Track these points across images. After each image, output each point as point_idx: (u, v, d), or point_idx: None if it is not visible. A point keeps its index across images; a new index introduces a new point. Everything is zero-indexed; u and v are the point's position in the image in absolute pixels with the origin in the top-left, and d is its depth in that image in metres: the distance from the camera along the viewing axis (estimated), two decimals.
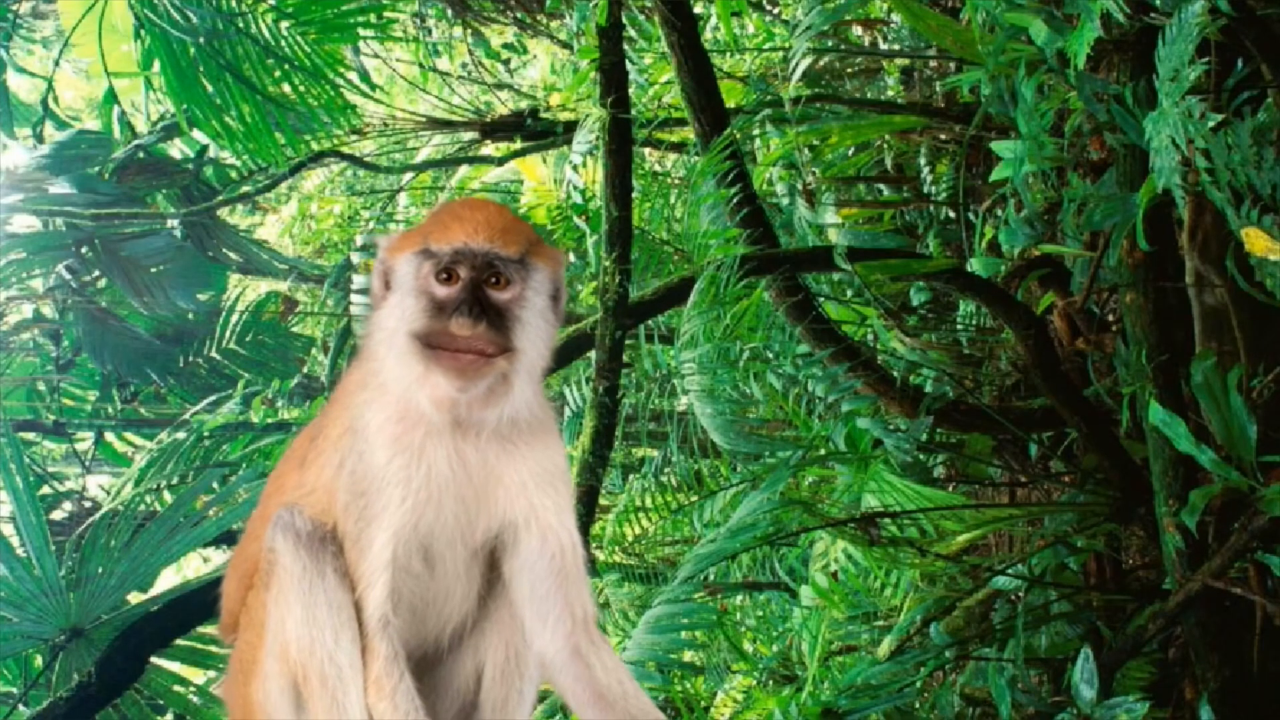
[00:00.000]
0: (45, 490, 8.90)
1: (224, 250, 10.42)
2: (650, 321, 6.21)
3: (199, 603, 5.34)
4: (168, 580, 6.67)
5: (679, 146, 9.34)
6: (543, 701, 4.95)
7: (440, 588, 2.46)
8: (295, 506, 2.40)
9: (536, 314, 2.38)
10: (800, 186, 7.04)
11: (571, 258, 9.50)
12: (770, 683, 6.40)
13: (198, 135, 8.32)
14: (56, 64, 8.84)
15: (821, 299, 6.09)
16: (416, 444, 2.37)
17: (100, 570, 5.88)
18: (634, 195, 5.78)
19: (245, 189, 10.10)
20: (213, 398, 8.30)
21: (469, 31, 10.85)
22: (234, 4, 7.01)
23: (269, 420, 7.81)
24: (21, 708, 5.77)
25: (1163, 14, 4.41)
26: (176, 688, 5.83)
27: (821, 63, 8.76)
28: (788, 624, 6.44)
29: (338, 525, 2.39)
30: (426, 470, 2.37)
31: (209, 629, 5.79)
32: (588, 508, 4.89)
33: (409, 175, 11.74)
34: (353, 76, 8.70)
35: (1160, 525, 5.03)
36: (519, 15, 10.43)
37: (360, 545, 2.35)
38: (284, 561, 2.35)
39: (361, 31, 7.91)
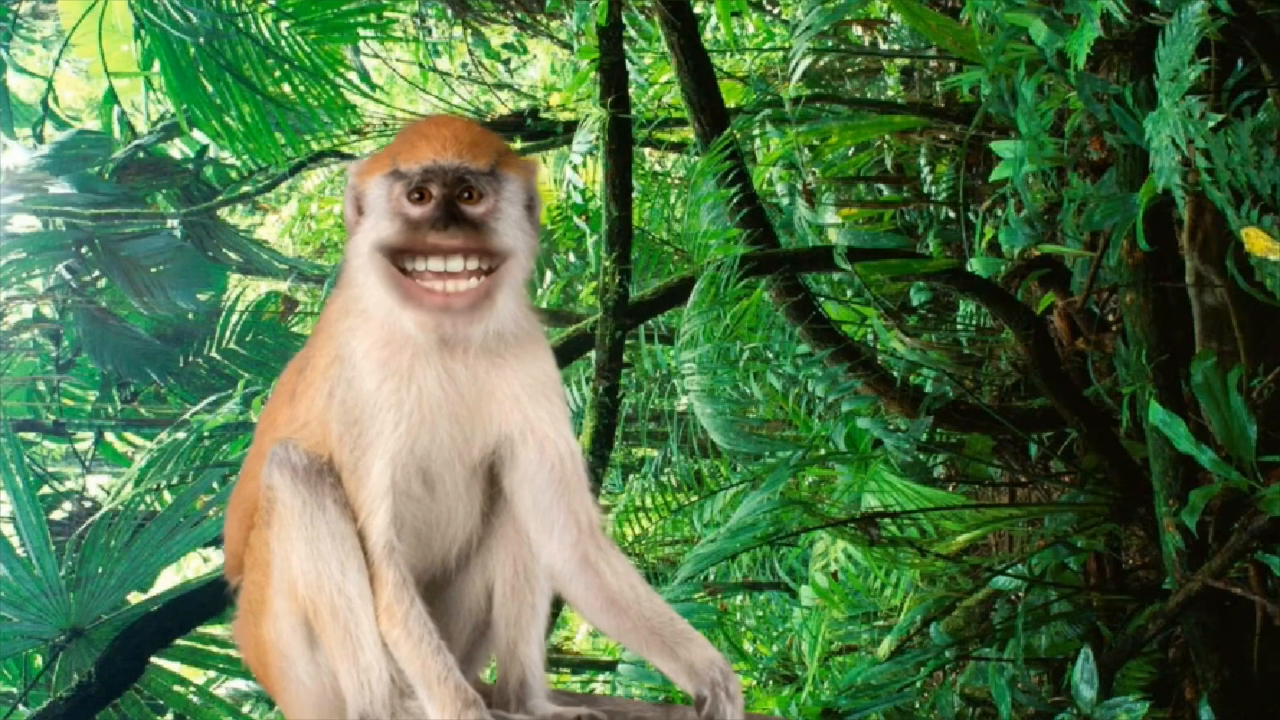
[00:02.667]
0: (45, 490, 8.90)
1: (224, 250, 10.41)
2: (650, 321, 6.21)
3: (199, 603, 5.34)
4: (168, 580, 6.67)
5: (679, 146, 9.34)
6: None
7: (442, 509, 2.46)
8: (289, 441, 2.39)
9: (513, 224, 2.35)
10: (800, 186, 7.04)
11: (571, 258, 9.50)
12: (770, 683, 6.39)
13: (198, 135, 8.32)
14: (56, 64, 8.84)
15: (821, 299, 6.09)
16: (405, 366, 2.36)
17: (100, 570, 5.89)
18: (634, 195, 5.78)
19: (245, 189, 10.09)
20: (213, 398, 8.29)
21: (469, 31, 10.84)
22: (234, 4, 7.01)
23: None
24: (21, 708, 5.77)
25: (1163, 14, 4.41)
26: (176, 688, 5.84)
27: (821, 63, 8.76)
28: (788, 624, 6.44)
29: (333, 456, 2.38)
30: (417, 392, 2.36)
31: (209, 629, 5.80)
32: None
33: None
34: (353, 76, 8.70)
35: (1160, 525, 5.03)
36: (519, 15, 10.43)
37: (358, 474, 2.35)
38: (283, 497, 2.34)
39: (361, 31, 7.90)
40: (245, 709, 7.10)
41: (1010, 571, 5.59)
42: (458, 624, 2.56)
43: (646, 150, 9.73)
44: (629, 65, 5.91)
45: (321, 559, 2.31)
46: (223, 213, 10.64)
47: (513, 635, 2.51)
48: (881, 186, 8.74)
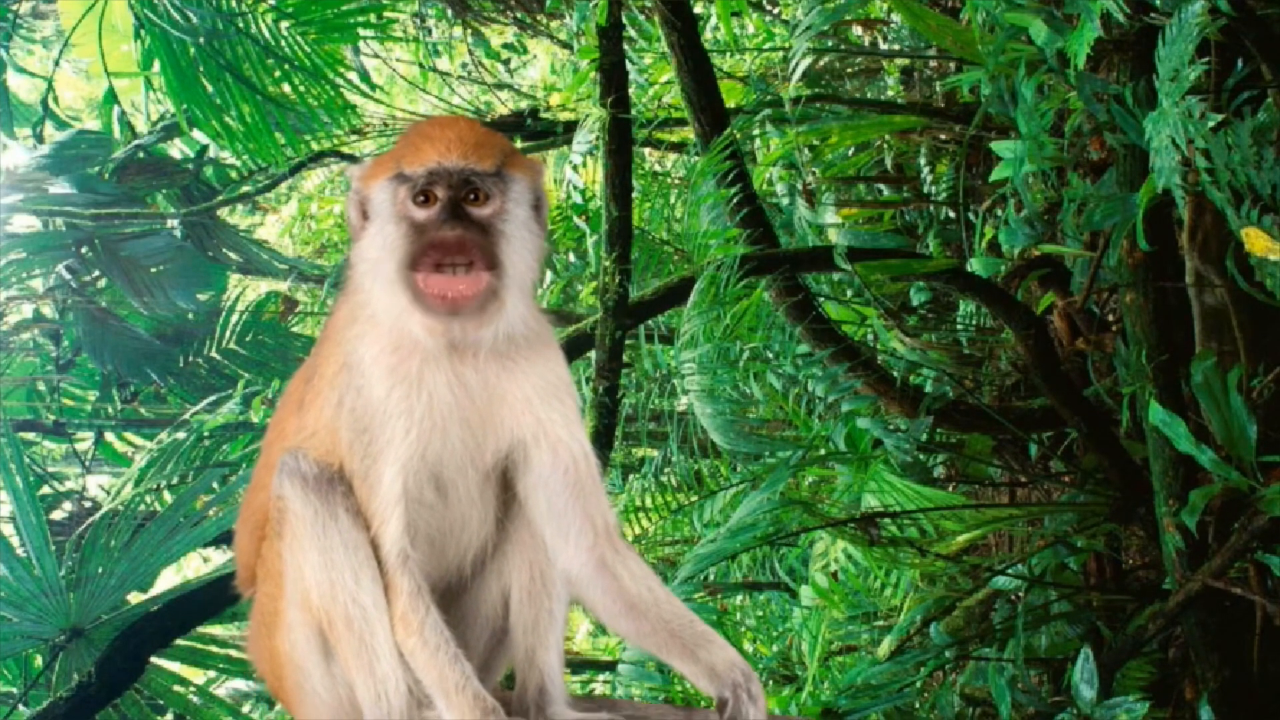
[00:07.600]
0: (45, 490, 8.89)
1: (224, 250, 10.41)
2: (650, 321, 6.21)
3: (199, 603, 5.34)
4: (168, 580, 6.67)
5: (679, 146, 9.34)
6: None
7: (456, 515, 2.43)
8: (299, 450, 2.36)
9: (520, 225, 2.34)
10: (800, 186, 7.04)
11: (571, 258, 9.50)
12: (770, 683, 6.39)
13: (198, 135, 8.32)
14: (56, 64, 8.84)
15: (821, 299, 6.09)
16: (414, 372, 2.34)
17: (100, 570, 5.89)
18: (634, 195, 5.78)
19: (245, 189, 10.09)
20: (213, 398, 8.28)
21: (469, 31, 10.84)
22: (234, 4, 7.01)
23: (269, 420, 7.77)
24: (21, 708, 5.77)
25: (1163, 14, 4.41)
26: (176, 688, 5.84)
27: (821, 63, 8.76)
28: (788, 624, 6.44)
29: (344, 464, 2.35)
30: (427, 398, 2.33)
31: (209, 629, 5.80)
32: None
33: None
34: (353, 76, 8.70)
35: (1160, 525, 5.03)
36: (519, 15, 10.43)
37: (369, 482, 2.32)
38: (294, 507, 2.31)
39: (361, 31, 7.91)
40: (245, 709, 7.10)
41: (1010, 571, 5.59)
42: (474, 631, 2.53)
43: (646, 150, 9.73)
44: (629, 65, 5.91)
45: (335, 569, 2.29)
46: (223, 213, 10.64)
47: (530, 642, 2.48)
48: (881, 186, 8.75)
